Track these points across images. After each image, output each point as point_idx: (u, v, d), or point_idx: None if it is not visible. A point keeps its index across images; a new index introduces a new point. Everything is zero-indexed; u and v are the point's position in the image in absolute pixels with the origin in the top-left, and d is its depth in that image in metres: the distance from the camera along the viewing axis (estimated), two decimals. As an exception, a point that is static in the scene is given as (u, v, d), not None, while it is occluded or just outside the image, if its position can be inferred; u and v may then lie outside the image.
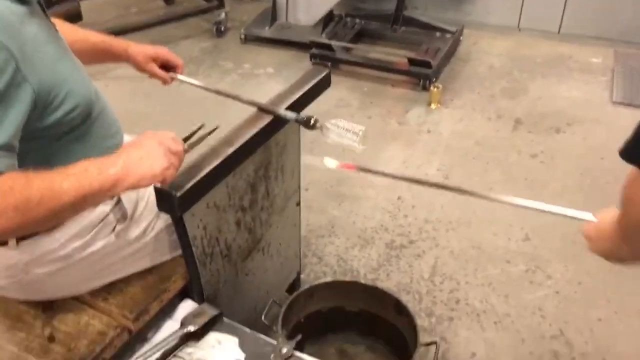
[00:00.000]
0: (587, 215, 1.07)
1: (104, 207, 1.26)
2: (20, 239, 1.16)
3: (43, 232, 1.17)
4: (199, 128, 1.30)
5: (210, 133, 1.31)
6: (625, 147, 0.80)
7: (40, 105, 1.05)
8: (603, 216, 1.03)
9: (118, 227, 1.28)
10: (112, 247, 1.28)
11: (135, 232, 1.32)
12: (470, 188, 1.26)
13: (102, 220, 1.25)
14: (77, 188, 1.00)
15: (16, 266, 1.19)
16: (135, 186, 1.07)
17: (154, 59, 1.56)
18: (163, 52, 1.58)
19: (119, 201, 1.30)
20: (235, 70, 3.68)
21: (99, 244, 1.25)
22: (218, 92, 1.58)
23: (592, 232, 1.04)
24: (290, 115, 1.41)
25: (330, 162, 1.22)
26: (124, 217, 1.30)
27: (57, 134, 1.13)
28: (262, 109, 1.43)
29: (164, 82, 1.59)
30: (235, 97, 1.52)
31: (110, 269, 1.31)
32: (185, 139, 1.25)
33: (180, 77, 1.59)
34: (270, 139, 1.45)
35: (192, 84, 1.57)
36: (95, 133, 1.22)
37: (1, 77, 0.96)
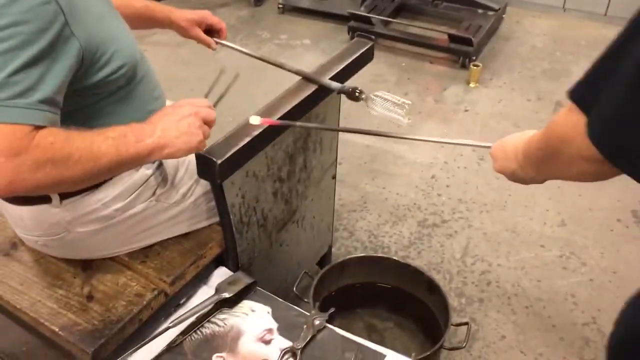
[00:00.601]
0: (488, 144, 1.15)
1: (146, 171, 1.26)
2: (63, 198, 1.17)
3: (86, 191, 1.18)
4: (219, 75, 1.34)
5: (232, 82, 1.33)
6: (574, 89, 0.77)
7: (87, 61, 1.04)
8: (510, 138, 1.08)
9: (158, 191, 1.29)
10: (151, 211, 1.29)
11: (174, 196, 1.33)
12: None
13: (143, 183, 1.26)
14: (114, 153, 1.02)
15: (59, 224, 1.21)
16: (169, 157, 1.11)
17: (198, 24, 1.55)
18: (207, 15, 1.57)
19: (160, 165, 1.30)
20: (271, 41, 3.65)
21: (139, 207, 1.26)
22: (263, 59, 1.56)
23: (499, 152, 1.09)
24: (335, 85, 1.39)
25: (255, 119, 1.24)
26: (164, 181, 1.31)
27: (102, 93, 1.13)
28: (307, 78, 1.41)
29: (209, 46, 1.58)
30: (279, 65, 1.50)
31: (149, 231, 1.32)
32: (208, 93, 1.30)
33: (225, 42, 1.58)
34: (312, 109, 1.44)
35: (237, 50, 1.56)
36: (139, 95, 1.22)
37: (49, 30, 0.95)
